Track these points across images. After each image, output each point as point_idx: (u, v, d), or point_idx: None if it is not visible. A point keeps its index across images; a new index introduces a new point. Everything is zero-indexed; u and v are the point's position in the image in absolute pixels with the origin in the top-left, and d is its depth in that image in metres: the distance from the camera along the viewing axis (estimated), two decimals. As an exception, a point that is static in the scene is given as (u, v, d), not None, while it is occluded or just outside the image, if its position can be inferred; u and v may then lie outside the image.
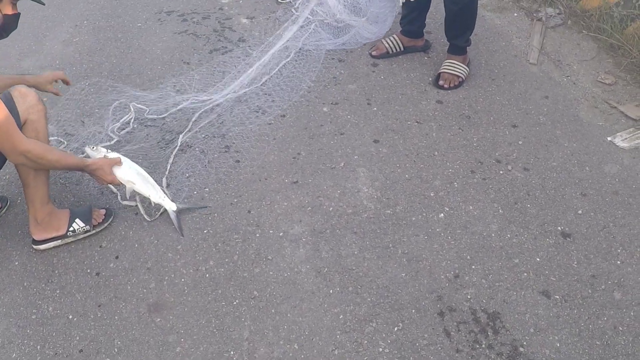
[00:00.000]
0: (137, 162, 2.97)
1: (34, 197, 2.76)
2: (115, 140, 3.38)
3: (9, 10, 2.53)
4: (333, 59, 4.01)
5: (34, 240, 2.85)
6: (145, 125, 3.51)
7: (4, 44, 3.58)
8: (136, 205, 3.03)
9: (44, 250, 2.85)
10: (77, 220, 2.88)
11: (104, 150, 2.90)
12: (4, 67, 4.00)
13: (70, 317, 2.60)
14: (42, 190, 2.78)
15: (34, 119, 2.68)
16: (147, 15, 4.67)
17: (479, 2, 3.70)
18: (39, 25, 4.62)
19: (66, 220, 2.87)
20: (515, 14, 4.48)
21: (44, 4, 2.72)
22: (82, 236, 2.89)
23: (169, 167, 3.21)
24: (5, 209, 3.07)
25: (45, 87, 3.05)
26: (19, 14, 2.62)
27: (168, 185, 3.12)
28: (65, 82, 3.18)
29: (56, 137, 3.39)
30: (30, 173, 2.69)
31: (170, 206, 2.93)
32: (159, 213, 2.98)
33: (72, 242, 2.88)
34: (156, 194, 2.92)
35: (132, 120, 3.52)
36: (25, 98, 2.65)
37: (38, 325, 2.57)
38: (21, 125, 2.58)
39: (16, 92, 2.65)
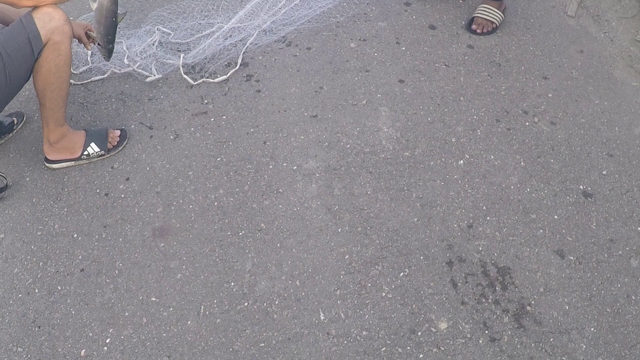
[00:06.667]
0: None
1: (48, 118, 2.70)
2: (138, 64, 3.30)
3: None
4: (365, -7, 3.87)
5: (46, 158, 2.83)
6: (169, 49, 3.43)
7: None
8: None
9: (56, 168, 2.84)
10: (92, 144, 2.85)
11: None
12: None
13: (75, 235, 2.59)
14: (59, 112, 2.71)
15: (57, 40, 2.57)
16: None
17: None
18: None
19: (81, 143, 2.84)
20: (558, -37, 4.29)
21: None
22: (95, 159, 2.87)
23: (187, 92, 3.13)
24: (21, 125, 3.04)
25: (78, 32, 2.93)
26: None
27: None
28: (90, 35, 2.98)
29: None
30: (47, 93, 2.61)
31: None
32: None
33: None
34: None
35: (156, 43, 3.44)
36: (51, 17, 2.51)
37: (42, 242, 2.56)
38: (42, 47, 2.47)
39: (40, 12, 2.49)
